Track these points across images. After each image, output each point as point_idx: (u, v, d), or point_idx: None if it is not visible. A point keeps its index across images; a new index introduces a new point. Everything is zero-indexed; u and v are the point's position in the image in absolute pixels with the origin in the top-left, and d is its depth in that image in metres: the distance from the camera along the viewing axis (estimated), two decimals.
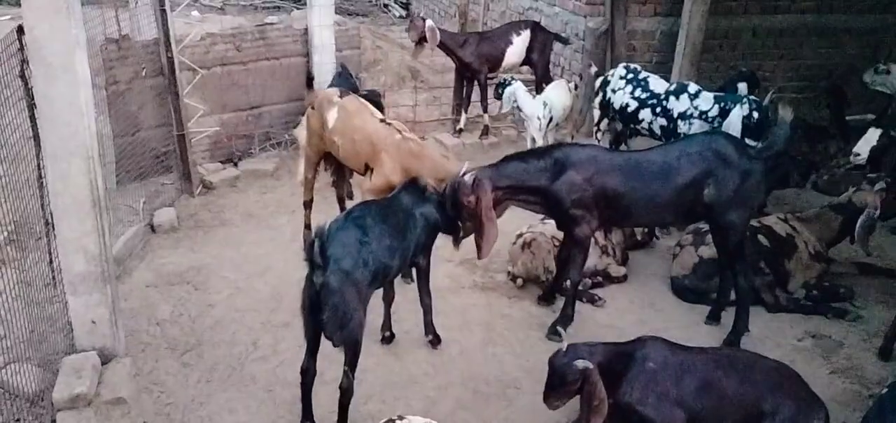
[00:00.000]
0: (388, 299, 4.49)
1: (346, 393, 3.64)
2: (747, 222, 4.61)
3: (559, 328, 4.36)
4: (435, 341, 4.55)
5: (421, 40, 7.48)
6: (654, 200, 4.42)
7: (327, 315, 3.45)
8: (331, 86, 6.56)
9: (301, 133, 6.09)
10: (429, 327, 4.55)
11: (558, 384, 3.44)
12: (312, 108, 5.27)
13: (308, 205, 5.58)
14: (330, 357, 3.76)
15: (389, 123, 4.85)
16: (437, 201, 4.19)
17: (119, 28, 6.25)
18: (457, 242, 4.38)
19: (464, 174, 4.19)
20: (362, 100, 5.19)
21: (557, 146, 4.73)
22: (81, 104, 3.70)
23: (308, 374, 3.70)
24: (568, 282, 4.72)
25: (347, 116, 4.99)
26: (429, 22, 7.48)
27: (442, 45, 7.67)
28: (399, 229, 3.93)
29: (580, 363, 3.34)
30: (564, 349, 3.45)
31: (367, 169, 4.86)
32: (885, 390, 3.61)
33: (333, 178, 5.70)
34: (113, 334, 4.13)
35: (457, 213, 4.23)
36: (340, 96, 5.14)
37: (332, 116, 5.05)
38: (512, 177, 4.44)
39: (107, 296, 4.05)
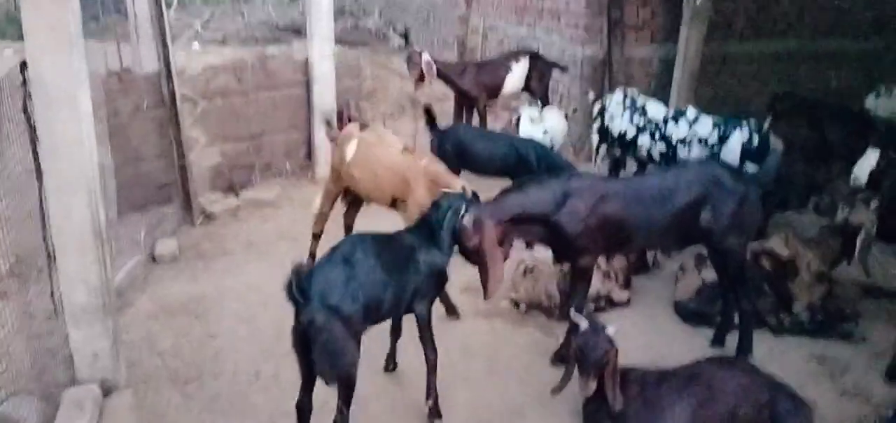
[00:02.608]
0: (396, 335, 4.43)
1: None
2: (745, 246, 4.60)
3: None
4: (433, 411, 4.07)
5: (421, 77, 7.54)
6: (654, 225, 4.43)
7: (316, 353, 3.34)
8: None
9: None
10: (430, 390, 4.07)
11: (597, 359, 3.34)
12: (335, 143, 5.27)
13: (317, 236, 5.54)
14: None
15: (409, 151, 4.79)
16: (447, 242, 4.00)
17: (121, 61, 6.32)
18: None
19: (463, 216, 4.12)
20: (383, 131, 5.13)
21: (556, 175, 4.69)
22: (83, 138, 3.72)
23: (303, 411, 3.63)
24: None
25: (367, 148, 4.94)
26: (425, 56, 7.53)
27: (441, 76, 7.73)
28: (395, 264, 3.74)
29: (610, 330, 3.35)
30: (584, 326, 3.42)
31: (394, 202, 4.77)
32: (892, 411, 3.60)
33: (346, 208, 5.62)
34: (114, 365, 4.11)
35: (463, 254, 4.19)
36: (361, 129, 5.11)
37: (350, 150, 5.02)
38: (513, 209, 4.39)
39: (108, 328, 4.03)
